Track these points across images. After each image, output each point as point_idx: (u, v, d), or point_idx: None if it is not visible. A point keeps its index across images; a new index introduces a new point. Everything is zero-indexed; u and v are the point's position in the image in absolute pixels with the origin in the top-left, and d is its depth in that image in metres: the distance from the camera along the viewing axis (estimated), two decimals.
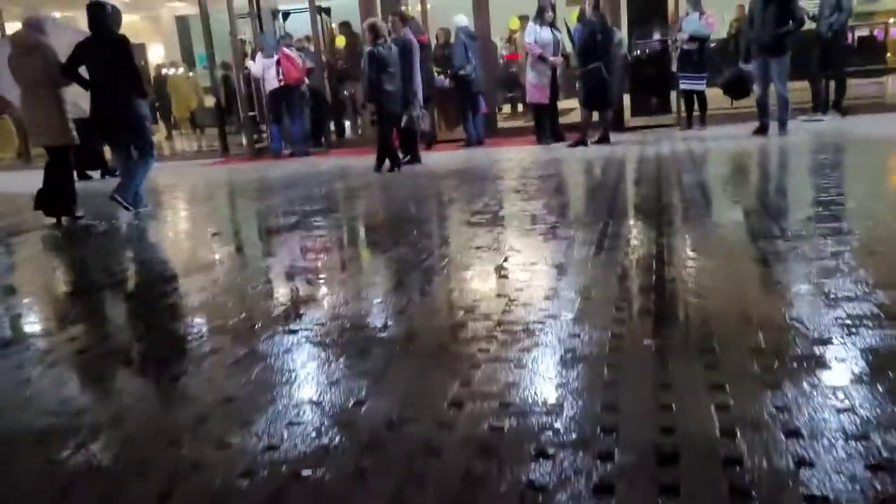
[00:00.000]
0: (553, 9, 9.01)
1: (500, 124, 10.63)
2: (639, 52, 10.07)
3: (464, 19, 9.29)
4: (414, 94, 8.18)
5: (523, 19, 11.41)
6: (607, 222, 4.40)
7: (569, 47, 9.36)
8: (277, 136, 10.31)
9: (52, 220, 6.12)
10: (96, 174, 9.90)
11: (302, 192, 7.05)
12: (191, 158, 11.70)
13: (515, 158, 8.18)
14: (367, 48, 7.79)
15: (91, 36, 5.95)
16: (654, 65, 10.11)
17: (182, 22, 19.09)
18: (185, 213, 7.00)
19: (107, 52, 5.82)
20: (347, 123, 11.88)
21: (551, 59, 8.92)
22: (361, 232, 5.38)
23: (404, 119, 8.10)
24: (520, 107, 13.23)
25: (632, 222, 4.53)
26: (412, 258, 3.97)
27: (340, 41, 10.54)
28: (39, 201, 6.13)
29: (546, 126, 9.25)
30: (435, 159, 8.80)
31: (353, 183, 7.54)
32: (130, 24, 19.70)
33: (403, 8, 9.30)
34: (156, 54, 19.29)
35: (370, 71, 7.72)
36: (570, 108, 10.67)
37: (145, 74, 18.04)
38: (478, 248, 4.07)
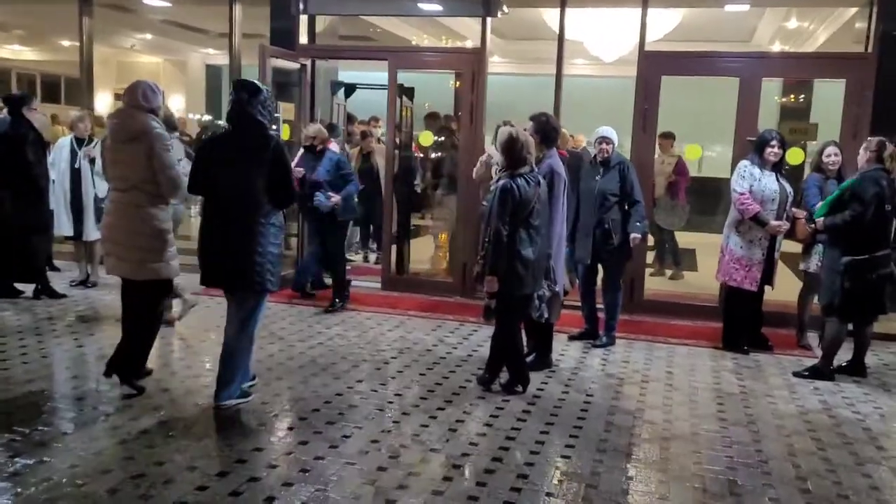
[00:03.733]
0: (782, 144, 5.62)
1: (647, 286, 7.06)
2: None
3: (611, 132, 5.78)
4: (555, 258, 4.75)
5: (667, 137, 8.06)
6: None
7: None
8: (306, 263, 6.92)
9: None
10: (27, 288, 6.52)
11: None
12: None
13: (707, 399, 4.64)
14: (500, 180, 4.38)
15: (228, 131, 4.02)
16: None
17: (213, 71, 16.08)
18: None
19: (251, 158, 3.88)
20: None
21: (774, 223, 5.49)
22: None
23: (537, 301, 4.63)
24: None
25: None
26: None
27: (426, 139, 7.22)
28: (116, 361, 4.25)
29: (743, 325, 5.76)
30: (566, 362, 5.30)
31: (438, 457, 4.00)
32: (152, 69, 16.80)
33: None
34: (175, 105, 16.17)
35: (499, 222, 4.28)
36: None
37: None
38: None
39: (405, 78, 7.54)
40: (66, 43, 15.31)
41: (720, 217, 12.27)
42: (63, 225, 6.82)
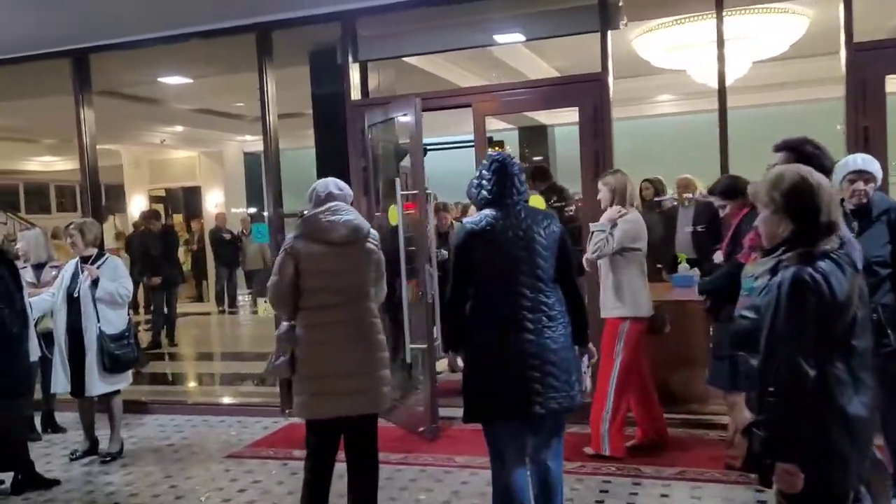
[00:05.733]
0: None
1: None
2: None
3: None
4: None
5: None
6: None
7: None
8: None
9: None
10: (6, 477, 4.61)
11: None
12: (232, 411, 6.23)
13: None
14: (781, 267, 2.23)
15: (496, 219, 3.17)
16: None
17: (252, 160, 14.51)
18: None
19: (542, 244, 3.17)
20: None
21: None
22: None
23: None
24: None
25: None
26: None
27: (538, 203, 5.18)
28: None
29: None
30: None
31: None
32: (187, 163, 15.31)
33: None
34: (213, 202, 14.62)
35: (797, 351, 2.11)
36: None
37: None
38: None
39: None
40: (98, 147, 13.98)
41: None
42: (59, 380, 4.97)
